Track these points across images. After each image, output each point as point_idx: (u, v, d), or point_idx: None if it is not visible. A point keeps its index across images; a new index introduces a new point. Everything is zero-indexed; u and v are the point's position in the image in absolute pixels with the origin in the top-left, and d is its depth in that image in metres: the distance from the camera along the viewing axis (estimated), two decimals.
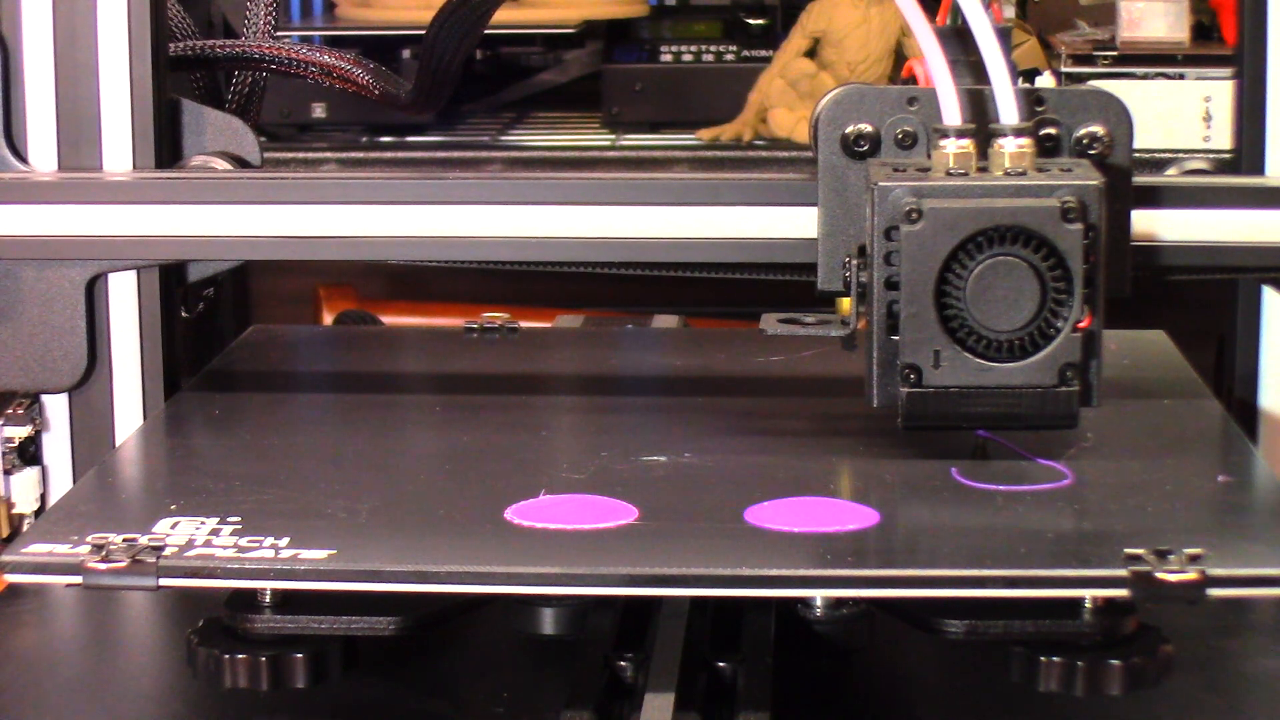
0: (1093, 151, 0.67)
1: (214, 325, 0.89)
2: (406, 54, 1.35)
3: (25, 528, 0.74)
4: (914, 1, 0.63)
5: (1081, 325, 0.63)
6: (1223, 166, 0.78)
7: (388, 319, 1.15)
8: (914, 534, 0.63)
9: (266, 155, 0.80)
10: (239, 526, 0.59)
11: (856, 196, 0.68)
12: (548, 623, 0.65)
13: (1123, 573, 0.55)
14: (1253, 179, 0.73)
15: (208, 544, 0.58)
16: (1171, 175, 0.77)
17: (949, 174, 0.64)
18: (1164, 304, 0.87)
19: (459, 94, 1.10)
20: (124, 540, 0.58)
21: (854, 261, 0.65)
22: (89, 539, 0.58)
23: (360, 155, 1.28)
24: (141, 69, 0.75)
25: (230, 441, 0.72)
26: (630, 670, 0.62)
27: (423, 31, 0.88)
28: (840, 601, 0.64)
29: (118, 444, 0.75)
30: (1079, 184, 0.62)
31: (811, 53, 1.31)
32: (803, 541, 0.59)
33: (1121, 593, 0.56)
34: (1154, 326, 0.85)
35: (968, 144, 0.64)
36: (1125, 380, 0.75)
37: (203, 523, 0.60)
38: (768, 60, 1.34)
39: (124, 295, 0.76)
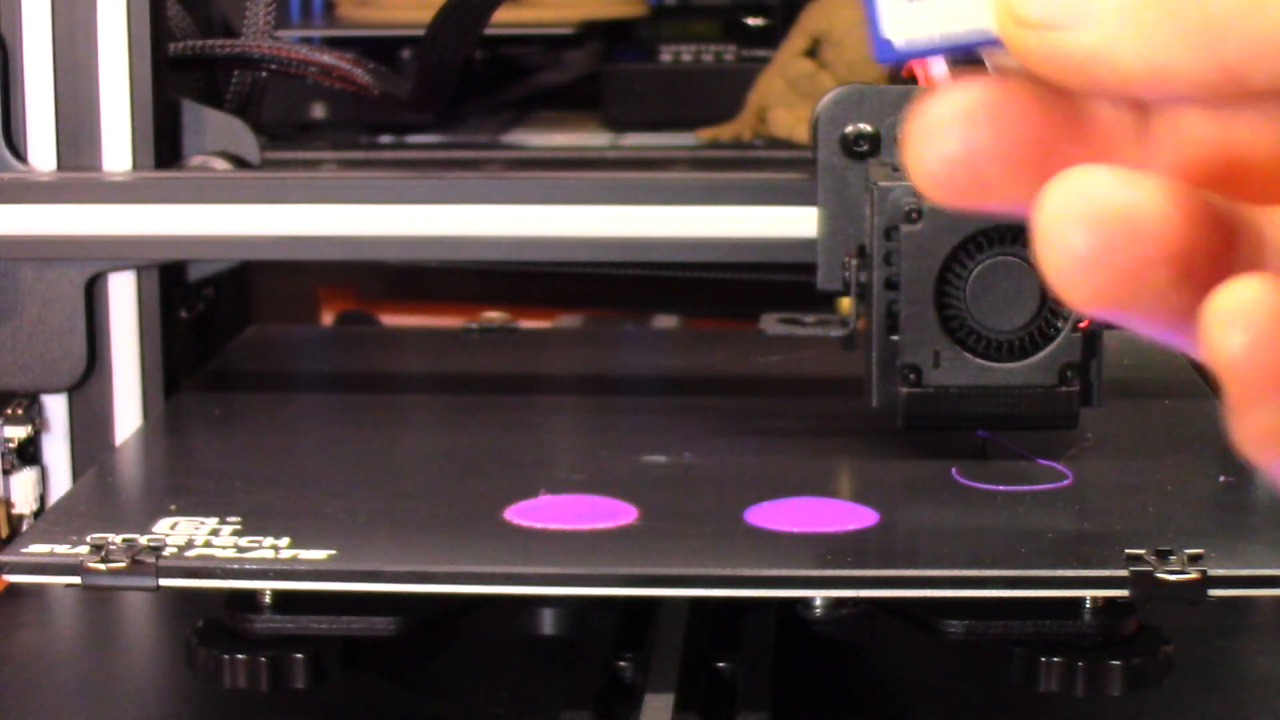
0: None
1: (214, 325, 0.89)
2: (406, 54, 1.34)
3: (25, 528, 0.74)
4: None
5: (1082, 325, 0.63)
6: None
7: (388, 319, 1.15)
8: (914, 534, 0.63)
9: (266, 155, 0.80)
10: (239, 526, 0.59)
11: (856, 196, 0.68)
12: (547, 623, 0.65)
13: (1123, 573, 0.55)
14: None
15: (208, 544, 0.58)
16: None
17: None
18: None
19: (459, 94, 1.10)
20: (123, 540, 0.58)
21: (854, 261, 0.65)
22: (88, 539, 0.58)
23: (360, 155, 1.28)
24: (141, 69, 0.75)
25: (230, 441, 0.72)
26: (630, 670, 0.62)
27: (423, 31, 0.88)
28: (840, 601, 0.64)
29: (117, 444, 0.75)
30: None
31: (811, 53, 1.31)
32: (803, 541, 0.59)
33: (1122, 593, 0.56)
34: None
35: None
36: (1125, 380, 0.75)
37: (203, 523, 0.60)
38: (768, 60, 1.34)
39: (124, 295, 0.76)
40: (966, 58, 0.30)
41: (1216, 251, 0.28)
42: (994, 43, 0.30)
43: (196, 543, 0.58)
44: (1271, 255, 0.29)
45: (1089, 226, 0.27)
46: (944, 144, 0.29)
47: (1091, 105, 0.30)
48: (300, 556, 0.57)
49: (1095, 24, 0.28)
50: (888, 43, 0.30)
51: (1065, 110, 0.29)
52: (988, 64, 0.30)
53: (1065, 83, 0.29)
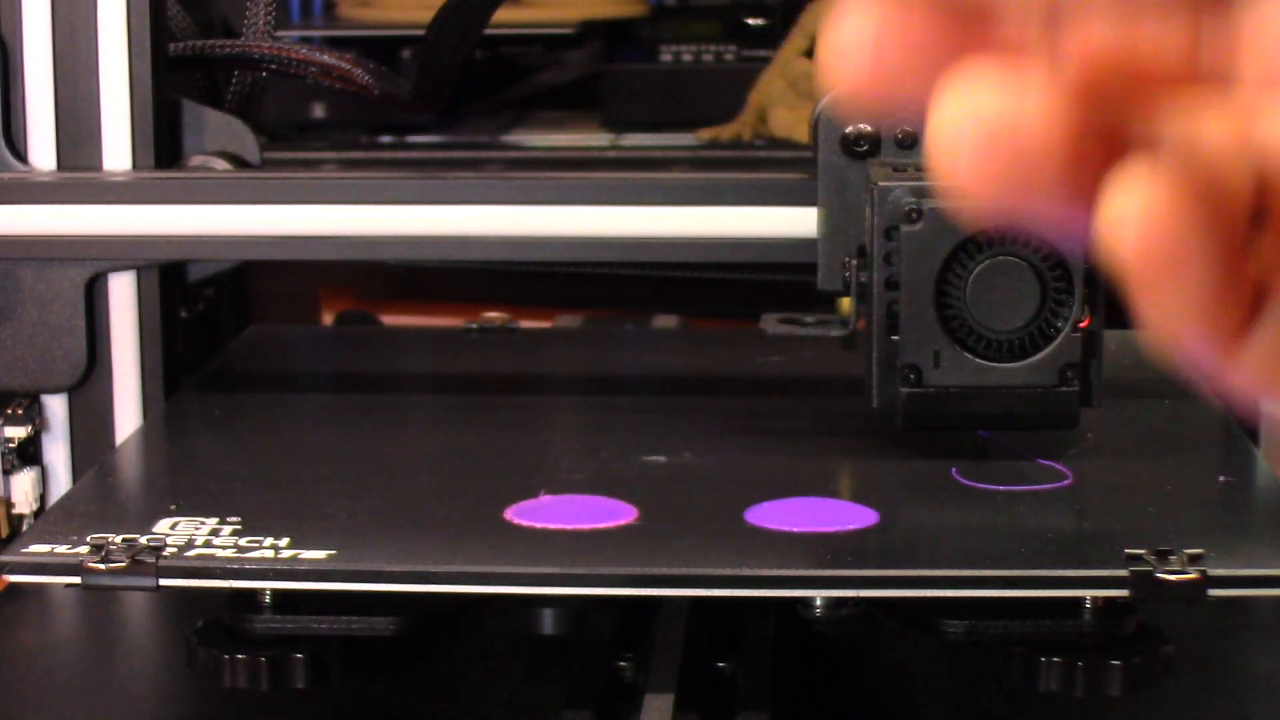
0: None
1: (214, 325, 0.89)
2: (406, 54, 1.34)
3: (25, 528, 0.74)
4: None
5: (1082, 325, 0.63)
6: None
7: (388, 319, 1.15)
8: (914, 534, 0.63)
9: (266, 155, 0.80)
10: (239, 526, 0.59)
11: (856, 196, 0.68)
12: (548, 623, 0.65)
13: (1123, 573, 0.55)
14: None
15: (208, 544, 0.58)
16: None
17: None
18: None
19: (459, 94, 1.10)
20: (124, 540, 0.58)
21: (854, 261, 0.65)
22: (89, 539, 0.58)
23: (360, 155, 1.28)
24: (141, 69, 0.75)
25: (230, 441, 0.72)
26: (630, 670, 0.62)
27: (423, 31, 0.88)
28: (840, 601, 0.64)
29: (117, 444, 0.75)
30: None
31: (811, 53, 1.31)
32: (803, 541, 0.59)
33: (1122, 593, 0.56)
34: None
35: None
36: (1125, 380, 0.75)
37: (203, 523, 0.60)
38: (768, 60, 1.34)
39: (124, 295, 0.76)
40: None
41: (1105, 138, 0.28)
42: None
43: (196, 543, 0.58)
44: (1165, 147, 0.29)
45: (978, 118, 0.28)
46: (859, 45, 0.29)
47: (1000, 16, 0.30)
48: (300, 556, 0.57)
49: None
50: None
51: (975, 21, 0.30)
52: None
53: None
